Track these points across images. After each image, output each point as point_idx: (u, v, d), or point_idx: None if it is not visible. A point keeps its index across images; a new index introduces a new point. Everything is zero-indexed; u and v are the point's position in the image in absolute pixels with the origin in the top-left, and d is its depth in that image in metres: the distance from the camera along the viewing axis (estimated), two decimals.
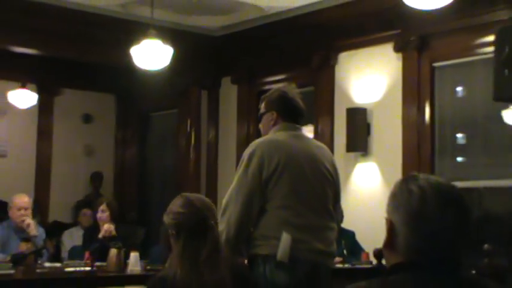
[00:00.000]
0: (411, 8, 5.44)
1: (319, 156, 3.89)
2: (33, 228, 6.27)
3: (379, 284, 1.83)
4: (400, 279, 1.80)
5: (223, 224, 3.63)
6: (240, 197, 3.66)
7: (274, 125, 3.89)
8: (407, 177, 1.91)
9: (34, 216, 6.88)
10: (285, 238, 3.60)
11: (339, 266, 6.13)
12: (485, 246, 5.62)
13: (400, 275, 1.81)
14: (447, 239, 1.82)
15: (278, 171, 3.67)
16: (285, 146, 3.77)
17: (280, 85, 4.22)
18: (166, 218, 3.14)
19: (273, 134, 3.87)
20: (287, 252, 3.60)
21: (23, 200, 6.45)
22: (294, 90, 4.02)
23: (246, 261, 3.80)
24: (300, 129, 3.96)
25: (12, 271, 4.84)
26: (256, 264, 3.68)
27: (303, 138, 3.99)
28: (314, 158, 3.85)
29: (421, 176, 1.90)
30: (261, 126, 4.02)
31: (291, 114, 3.92)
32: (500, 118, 6.90)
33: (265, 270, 3.64)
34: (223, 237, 3.58)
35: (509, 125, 6.90)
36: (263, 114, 3.97)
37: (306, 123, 8.49)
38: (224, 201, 3.74)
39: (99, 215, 6.49)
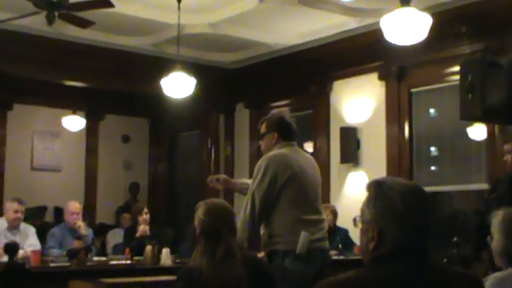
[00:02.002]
0: (392, 44, 5.42)
1: (313, 166, 4.00)
2: (84, 229, 6.28)
3: (365, 272, 1.78)
4: (386, 267, 1.77)
5: (247, 215, 3.72)
6: (259, 197, 3.72)
7: (276, 143, 3.92)
8: (378, 185, 1.85)
9: (84, 219, 6.90)
10: (303, 235, 3.66)
11: (335, 257, 6.15)
12: (454, 239, 5.65)
13: (383, 265, 1.78)
14: (425, 229, 1.81)
15: (290, 180, 3.74)
16: (292, 160, 3.83)
17: (276, 110, 4.28)
18: (195, 219, 3.12)
19: (279, 150, 3.90)
20: (305, 246, 3.66)
21: (75, 206, 6.46)
22: (288, 114, 4.12)
23: (260, 254, 3.84)
24: (296, 145, 4.00)
25: (68, 263, 4.93)
26: (276, 258, 3.71)
27: (301, 152, 4.04)
28: (311, 168, 3.95)
29: (388, 181, 1.85)
30: (261, 143, 4.04)
31: (289, 134, 3.96)
32: (466, 134, 6.89)
33: (286, 263, 3.68)
34: (247, 222, 3.69)
35: (473, 140, 6.87)
36: (265, 134, 4.00)
37: (306, 140, 8.56)
38: (247, 199, 3.78)
39: (143, 217, 6.46)
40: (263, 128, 4.03)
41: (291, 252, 3.68)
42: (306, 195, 3.82)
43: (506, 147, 4.68)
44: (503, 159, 4.70)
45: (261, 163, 3.83)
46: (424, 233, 1.81)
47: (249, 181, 3.98)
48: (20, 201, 6.20)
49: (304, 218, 3.76)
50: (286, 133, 3.96)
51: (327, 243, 3.91)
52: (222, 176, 4.30)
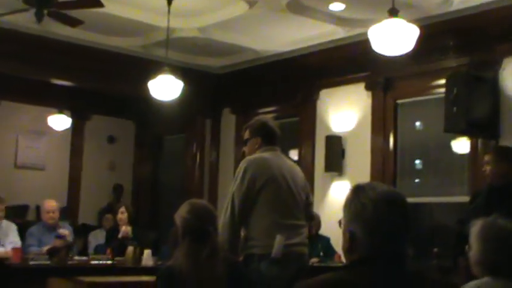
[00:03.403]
0: (379, 55, 5.42)
1: (295, 171, 4.03)
2: (65, 230, 6.26)
3: (341, 274, 1.80)
4: (360, 271, 1.79)
5: (227, 217, 3.73)
6: (238, 199, 3.75)
7: (258, 148, 3.97)
8: (356, 190, 1.87)
9: (65, 218, 6.89)
10: (279, 239, 3.67)
11: (316, 264, 6.18)
12: (435, 250, 5.71)
13: (360, 268, 1.80)
14: (397, 235, 1.82)
15: (268, 182, 3.77)
16: (272, 163, 3.86)
17: (260, 116, 4.31)
18: (176, 219, 3.12)
19: (260, 153, 3.93)
20: (281, 250, 3.66)
21: (51, 205, 6.43)
22: (271, 120, 4.15)
23: (241, 259, 3.85)
24: (279, 150, 4.03)
25: (48, 261, 4.93)
26: (252, 262, 3.72)
27: (283, 158, 4.05)
28: (292, 172, 3.98)
29: (367, 187, 1.87)
30: (245, 149, 4.07)
31: (271, 139, 4.00)
32: (450, 147, 6.94)
33: (261, 267, 3.68)
34: (228, 224, 3.69)
35: (456, 153, 6.93)
36: (248, 140, 4.03)
37: (291, 148, 8.59)
38: (227, 201, 3.80)
39: (119, 216, 6.47)
40: (246, 134, 4.06)
41: (266, 256, 3.69)
42: (284, 199, 3.83)
43: (486, 158, 4.74)
44: (482, 169, 4.76)
45: (241, 165, 3.87)
46: (396, 241, 1.82)
47: None
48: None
49: (281, 222, 3.77)
50: (268, 138, 4.00)
51: (305, 249, 3.92)
52: None
